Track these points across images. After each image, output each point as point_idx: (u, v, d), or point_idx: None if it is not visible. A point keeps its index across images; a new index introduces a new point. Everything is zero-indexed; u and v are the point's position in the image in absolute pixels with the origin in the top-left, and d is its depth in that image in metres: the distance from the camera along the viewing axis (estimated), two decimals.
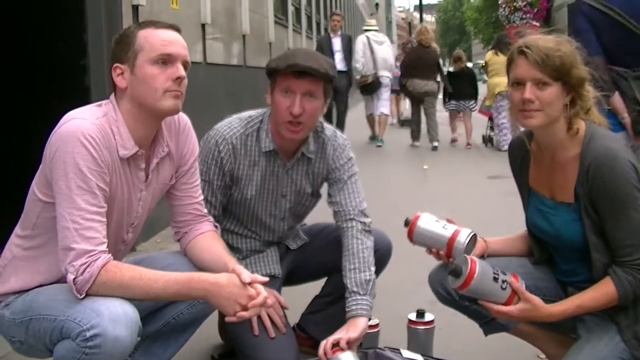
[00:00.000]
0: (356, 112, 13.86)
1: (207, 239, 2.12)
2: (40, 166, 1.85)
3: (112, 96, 1.93)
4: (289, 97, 2.25)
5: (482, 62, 10.49)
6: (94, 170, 1.76)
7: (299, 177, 2.46)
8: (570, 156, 2.01)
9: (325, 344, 2.13)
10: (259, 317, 2.25)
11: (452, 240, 2.13)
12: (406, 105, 12.93)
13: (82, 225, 1.74)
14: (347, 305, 2.28)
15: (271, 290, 2.31)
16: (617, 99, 3.09)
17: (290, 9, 12.16)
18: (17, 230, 1.95)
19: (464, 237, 2.13)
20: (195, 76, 4.35)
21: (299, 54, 2.30)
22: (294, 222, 2.59)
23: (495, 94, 9.20)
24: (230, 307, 1.83)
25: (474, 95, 10.43)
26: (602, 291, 1.96)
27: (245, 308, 1.83)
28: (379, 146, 10.08)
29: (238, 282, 1.84)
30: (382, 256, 2.49)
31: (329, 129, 2.50)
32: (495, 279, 1.97)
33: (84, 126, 1.78)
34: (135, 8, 4.53)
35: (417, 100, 9.92)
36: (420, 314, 2.44)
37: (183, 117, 2.09)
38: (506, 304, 1.98)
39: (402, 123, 13.35)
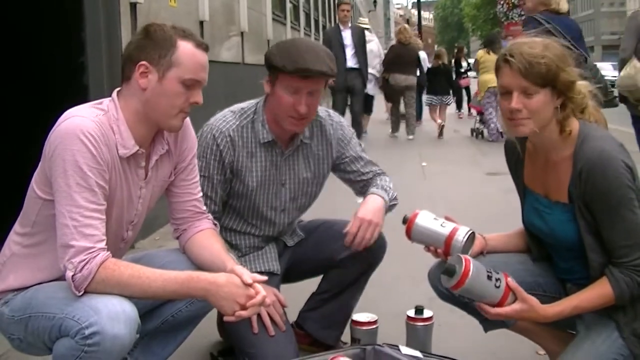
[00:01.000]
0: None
1: (206, 236, 2.11)
2: (40, 163, 1.85)
3: (115, 94, 1.92)
4: (294, 95, 2.25)
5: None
6: (93, 167, 1.76)
7: (297, 163, 2.47)
8: (563, 156, 1.99)
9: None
10: (259, 315, 2.25)
11: (449, 238, 2.13)
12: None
13: (81, 222, 1.73)
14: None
15: (270, 288, 2.31)
16: None
17: (289, 6, 12.16)
18: (17, 227, 1.95)
19: (461, 235, 2.12)
20: None
21: (304, 53, 2.25)
22: (295, 215, 2.58)
23: (486, 89, 9.89)
24: (229, 306, 1.83)
25: (449, 90, 11.83)
26: (599, 292, 1.95)
27: (244, 307, 1.83)
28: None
29: (237, 281, 1.83)
30: (376, 251, 2.48)
31: (321, 109, 2.51)
32: (489, 277, 1.96)
33: (84, 124, 1.77)
34: (134, 6, 4.52)
35: (398, 94, 10.65)
36: (419, 310, 2.44)
37: None
38: (500, 302, 1.97)
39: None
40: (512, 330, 2.30)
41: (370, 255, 2.47)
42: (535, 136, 2.03)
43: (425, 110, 12.52)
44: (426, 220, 2.19)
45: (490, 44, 10.21)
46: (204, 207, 2.18)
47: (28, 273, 1.89)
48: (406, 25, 11.66)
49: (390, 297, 3.17)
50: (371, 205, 2.37)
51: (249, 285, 1.83)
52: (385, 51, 11.05)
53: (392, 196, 2.47)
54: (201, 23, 5.96)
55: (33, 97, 4.38)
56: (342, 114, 7.94)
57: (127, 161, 1.90)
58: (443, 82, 11.96)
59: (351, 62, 8.35)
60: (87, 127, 1.77)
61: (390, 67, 10.37)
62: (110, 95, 1.93)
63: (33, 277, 1.89)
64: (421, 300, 2.56)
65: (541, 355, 2.48)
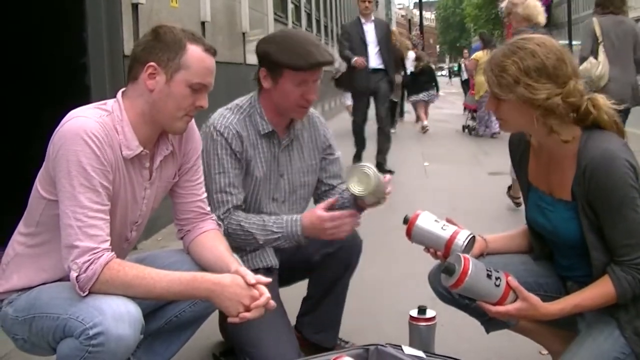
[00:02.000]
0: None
1: (210, 237, 2.11)
2: (44, 164, 1.85)
3: (120, 95, 1.92)
4: (301, 86, 2.31)
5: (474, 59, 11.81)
6: (97, 168, 1.76)
7: (292, 154, 2.51)
8: (567, 154, 1.99)
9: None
10: None
11: (450, 242, 2.11)
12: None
13: (86, 223, 1.74)
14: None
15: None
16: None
17: (290, 6, 12.15)
18: (21, 227, 1.95)
19: (462, 239, 2.10)
20: None
21: (306, 46, 2.31)
22: (294, 208, 2.56)
23: (485, 89, 10.08)
24: (233, 307, 1.83)
25: (431, 87, 12.73)
26: (601, 290, 1.95)
27: (248, 309, 1.83)
28: None
29: (241, 282, 1.84)
30: (349, 250, 2.55)
31: None
32: (489, 276, 1.95)
33: (87, 124, 1.78)
34: (135, 6, 4.52)
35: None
36: (422, 310, 2.43)
37: None
38: (500, 300, 1.97)
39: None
40: (514, 330, 2.30)
41: (345, 255, 2.53)
42: (533, 134, 2.04)
43: (411, 110, 13.43)
44: (427, 222, 2.17)
45: (488, 44, 10.54)
46: (208, 208, 2.18)
47: (32, 273, 1.90)
48: (394, 29, 12.04)
49: (393, 297, 3.17)
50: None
51: (252, 286, 1.84)
52: None
53: None
54: (203, 23, 5.96)
55: (34, 97, 4.39)
56: (364, 121, 7.42)
57: (131, 162, 1.90)
58: (426, 81, 12.84)
59: (375, 62, 6.96)
60: (90, 127, 1.77)
61: None
62: (112, 95, 1.94)
63: (37, 277, 1.89)
64: (424, 300, 2.55)
65: (544, 355, 2.48)
